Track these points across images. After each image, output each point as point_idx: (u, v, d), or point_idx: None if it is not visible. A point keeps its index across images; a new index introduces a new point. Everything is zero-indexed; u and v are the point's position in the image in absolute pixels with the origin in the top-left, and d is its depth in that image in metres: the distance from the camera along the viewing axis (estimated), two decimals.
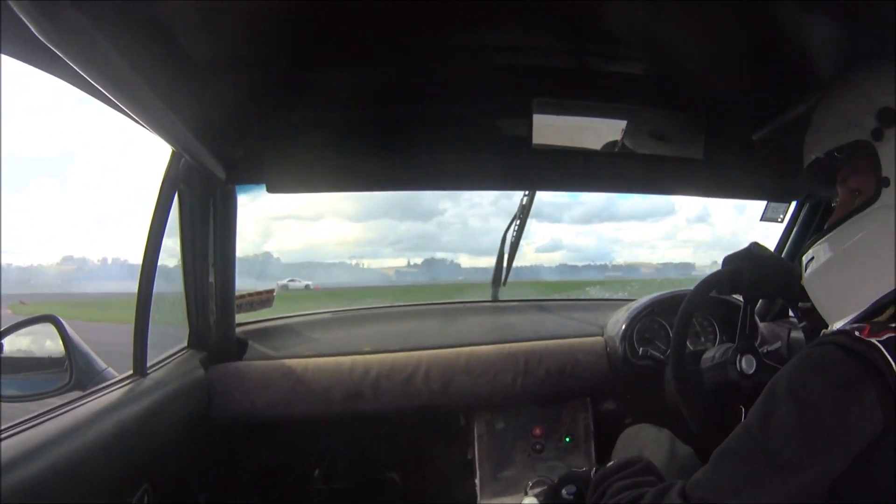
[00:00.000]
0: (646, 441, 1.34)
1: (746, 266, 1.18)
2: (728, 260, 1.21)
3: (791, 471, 0.70)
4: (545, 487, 1.65)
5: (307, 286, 15.03)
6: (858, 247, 0.84)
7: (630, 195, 1.67)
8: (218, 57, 1.00)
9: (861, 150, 0.84)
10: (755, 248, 1.22)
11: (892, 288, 0.79)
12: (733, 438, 0.77)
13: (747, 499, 0.72)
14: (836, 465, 0.70)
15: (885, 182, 0.81)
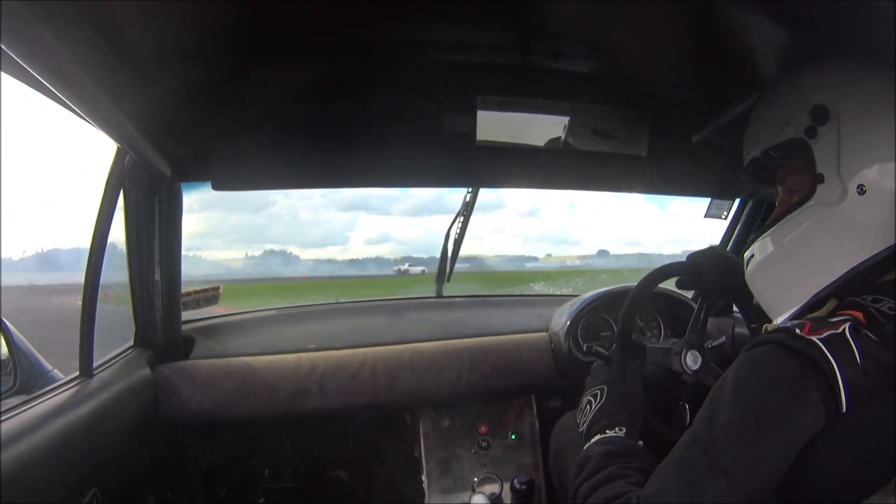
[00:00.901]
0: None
1: (708, 264, 1.22)
2: (691, 257, 1.25)
3: (735, 474, 0.71)
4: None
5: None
6: (796, 242, 0.86)
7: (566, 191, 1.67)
8: (162, 51, 0.98)
9: (796, 149, 0.86)
10: (718, 249, 1.26)
11: (830, 281, 0.82)
12: (680, 447, 0.78)
13: None
14: (780, 466, 0.70)
15: (820, 179, 0.83)
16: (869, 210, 0.81)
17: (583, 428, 1.04)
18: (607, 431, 0.99)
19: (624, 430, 0.99)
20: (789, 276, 0.87)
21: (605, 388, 1.09)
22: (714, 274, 1.22)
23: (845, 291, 0.81)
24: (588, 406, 1.08)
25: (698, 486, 0.73)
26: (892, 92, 0.80)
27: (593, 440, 0.99)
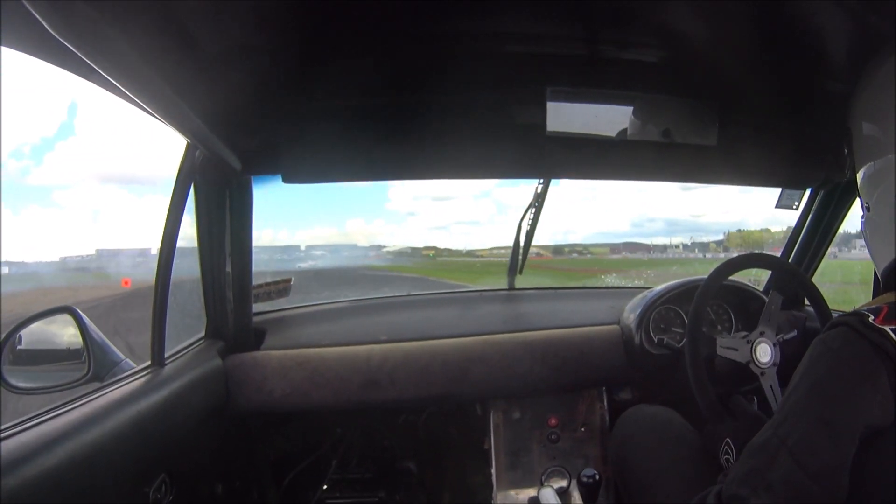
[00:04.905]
0: (647, 420, 1.36)
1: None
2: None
3: (800, 452, 0.70)
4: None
5: None
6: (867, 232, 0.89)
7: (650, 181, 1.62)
8: (229, 47, 0.99)
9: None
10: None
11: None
12: (762, 430, 0.77)
13: (768, 487, 0.71)
14: (844, 447, 0.69)
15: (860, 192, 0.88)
16: (877, 224, 0.85)
17: None
18: None
19: None
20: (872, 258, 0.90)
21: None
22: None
23: None
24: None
25: (770, 463, 0.72)
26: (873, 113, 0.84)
27: None
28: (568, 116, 1.30)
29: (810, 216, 1.73)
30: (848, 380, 0.71)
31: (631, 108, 1.33)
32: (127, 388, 1.09)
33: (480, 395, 1.75)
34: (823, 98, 1.24)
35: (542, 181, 1.82)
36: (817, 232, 1.73)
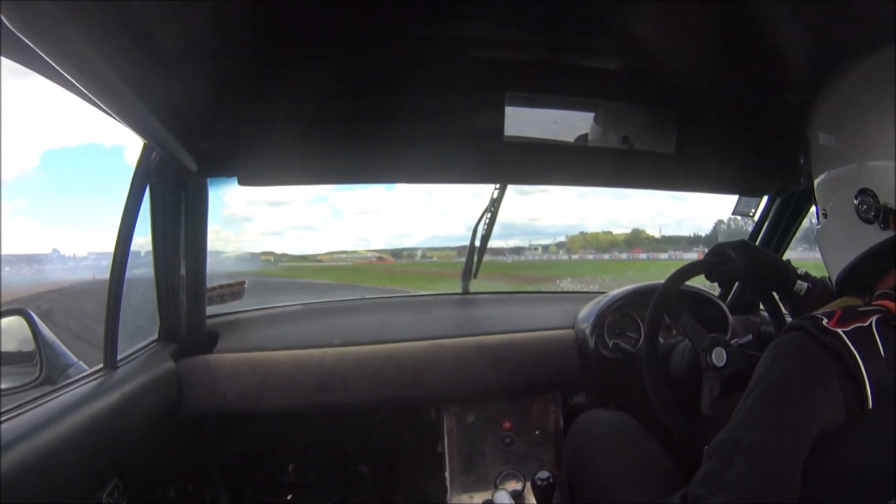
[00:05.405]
0: (601, 424, 1.35)
1: (739, 256, 1.20)
2: (720, 247, 1.23)
3: (754, 454, 0.72)
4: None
5: None
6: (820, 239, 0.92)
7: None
8: (187, 47, 0.99)
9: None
10: (748, 241, 1.23)
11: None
12: (718, 434, 0.79)
13: (723, 487, 0.73)
14: (797, 449, 0.71)
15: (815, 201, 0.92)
16: (833, 230, 0.88)
17: None
18: None
19: None
20: (825, 263, 0.93)
21: None
22: (744, 266, 1.20)
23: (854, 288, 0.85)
24: None
25: (726, 464, 0.74)
26: (836, 120, 0.87)
27: None
28: (526, 122, 1.31)
29: (766, 223, 1.79)
30: (800, 383, 0.72)
31: (590, 115, 1.34)
32: (79, 392, 1.07)
33: (434, 399, 1.75)
34: (781, 108, 1.27)
35: (498, 186, 1.84)
36: (773, 238, 1.77)
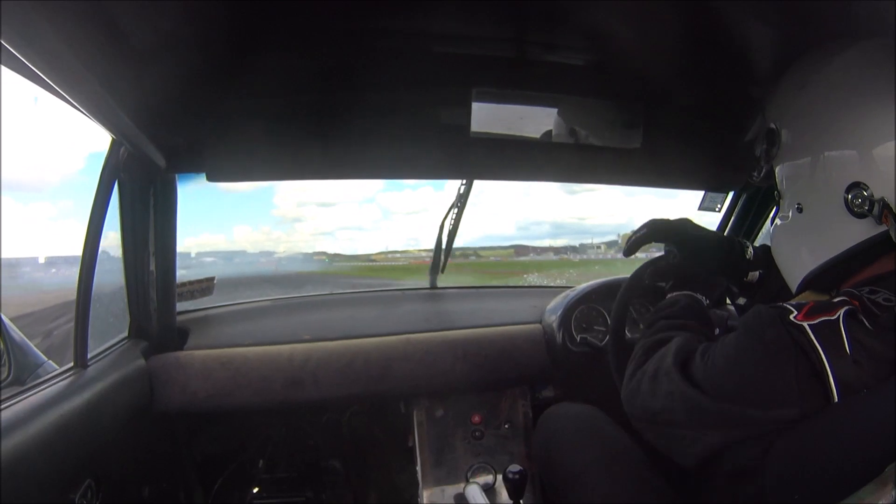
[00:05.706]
0: (570, 418, 1.35)
1: (676, 246, 1.14)
2: (653, 225, 1.13)
3: (714, 425, 0.76)
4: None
5: None
6: (779, 241, 0.93)
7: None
8: (157, 41, 0.98)
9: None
10: (688, 223, 1.13)
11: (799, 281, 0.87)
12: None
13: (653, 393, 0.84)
14: (752, 423, 0.73)
15: (778, 196, 0.93)
16: (809, 225, 0.86)
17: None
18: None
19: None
20: (784, 261, 0.94)
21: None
22: (688, 251, 1.13)
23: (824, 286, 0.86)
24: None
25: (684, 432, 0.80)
26: (821, 111, 0.84)
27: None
28: (492, 118, 1.32)
29: (732, 218, 1.80)
30: (765, 361, 0.72)
31: (556, 110, 1.35)
32: (49, 391, 1.06)
33: (403, 393, 1.75)
34: (746, 103, 1.28)
35: (465, 182, 1.86)
36: (739, 234, 1.76)
